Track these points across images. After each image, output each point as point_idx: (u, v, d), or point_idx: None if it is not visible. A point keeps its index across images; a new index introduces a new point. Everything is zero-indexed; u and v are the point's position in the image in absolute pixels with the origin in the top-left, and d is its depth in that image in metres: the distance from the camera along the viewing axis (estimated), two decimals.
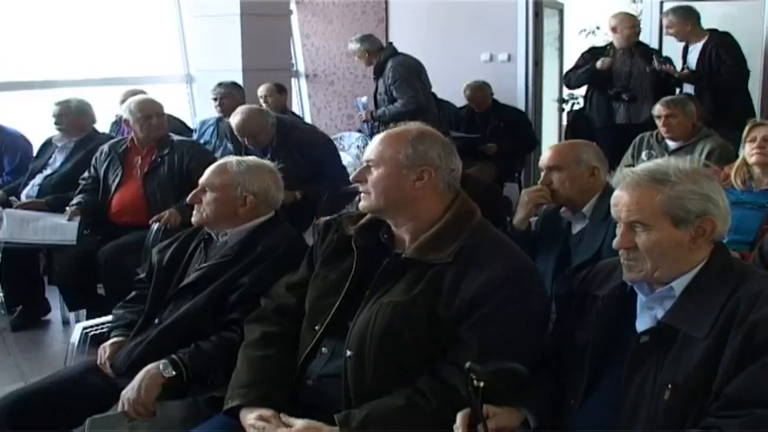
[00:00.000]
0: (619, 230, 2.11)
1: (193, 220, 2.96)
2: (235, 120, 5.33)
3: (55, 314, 5.30)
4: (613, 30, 6.65)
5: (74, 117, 5.42)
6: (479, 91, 7.47)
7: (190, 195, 2.95)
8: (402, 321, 2.21)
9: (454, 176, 2.38)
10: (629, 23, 6.61)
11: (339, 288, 2.39)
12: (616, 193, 2.13)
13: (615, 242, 2.11)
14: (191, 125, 6.85)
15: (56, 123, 5.43)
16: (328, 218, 2.71)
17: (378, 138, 2.42)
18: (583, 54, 6.89)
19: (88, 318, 4.29)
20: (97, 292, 4.77)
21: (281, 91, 6.88)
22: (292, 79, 8.20)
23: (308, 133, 5.80)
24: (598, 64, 6.51)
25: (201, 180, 2.96)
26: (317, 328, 2.38)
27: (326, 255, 2.50)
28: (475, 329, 2.17)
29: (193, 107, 7.77)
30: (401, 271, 2.30)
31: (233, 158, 3.02)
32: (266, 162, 3.06)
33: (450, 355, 2.20)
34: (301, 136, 5.52)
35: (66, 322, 5.17)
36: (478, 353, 2.10)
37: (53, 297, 5.24)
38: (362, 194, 2.41)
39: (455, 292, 2.21)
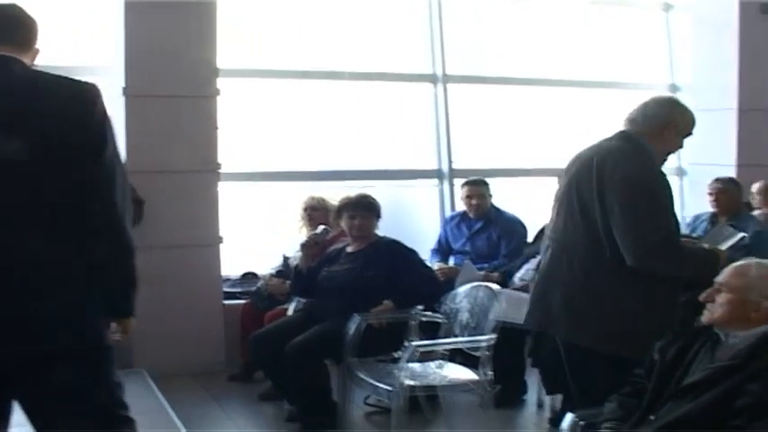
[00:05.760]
0: None
1: (703, 318, 2.91)
2: None
3: (531, 396, 5.43)
4: None
5: None
6: None
7: (704, 293, 2.91)
8: None
9: None
10: None
11: None
12: None
13: None
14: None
15: None
16: None
17: None
18: None
19: (563, 404, 4.39)
20: None
21: None
22: None
23: None
24: None
25: (719, 279, 2.91)
26: None
27: None
28: None
29: (682, 201, 7.67)
30: None
31: (753, 261, 2.93)
32: None
33: None
34: None
35: (540, 405, 5.29)
36: None
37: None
38: None
39: None
